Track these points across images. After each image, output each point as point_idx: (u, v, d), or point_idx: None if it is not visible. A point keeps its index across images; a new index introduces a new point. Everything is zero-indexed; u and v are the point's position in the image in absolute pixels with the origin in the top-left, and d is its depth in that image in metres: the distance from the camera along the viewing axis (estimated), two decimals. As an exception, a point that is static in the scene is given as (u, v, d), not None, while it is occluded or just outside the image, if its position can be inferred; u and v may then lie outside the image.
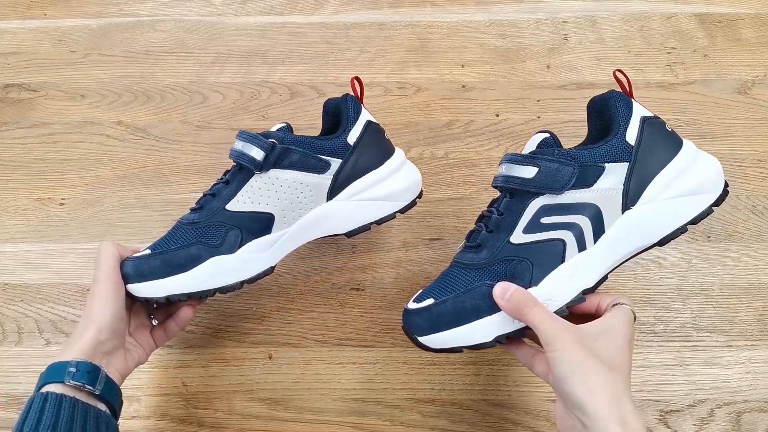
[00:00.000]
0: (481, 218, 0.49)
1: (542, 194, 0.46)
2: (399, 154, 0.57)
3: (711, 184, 0.48)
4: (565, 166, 0.45)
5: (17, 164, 0.69)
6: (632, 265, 0.61)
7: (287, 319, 0.60)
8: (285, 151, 0.51)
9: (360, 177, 0.54)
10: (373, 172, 0.54)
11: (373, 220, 0.55)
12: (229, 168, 0.53)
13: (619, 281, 0.61)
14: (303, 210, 0.53)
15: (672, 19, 0.78)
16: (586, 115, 0.52)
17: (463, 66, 0.75)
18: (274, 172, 0.51)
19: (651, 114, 0.49)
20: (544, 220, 0.46)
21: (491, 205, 0.49)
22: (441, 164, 0.68)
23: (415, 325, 0.46)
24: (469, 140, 0.70)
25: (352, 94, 0.56)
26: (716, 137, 0.69)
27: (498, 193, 0.50)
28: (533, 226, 0.46)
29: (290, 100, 0.73)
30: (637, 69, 0.74)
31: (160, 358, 0.58)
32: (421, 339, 0.46)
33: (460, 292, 0.45)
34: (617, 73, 0.50)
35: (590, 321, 0.44)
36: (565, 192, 0.45)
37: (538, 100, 0.72)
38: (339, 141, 0.53)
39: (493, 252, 0.46)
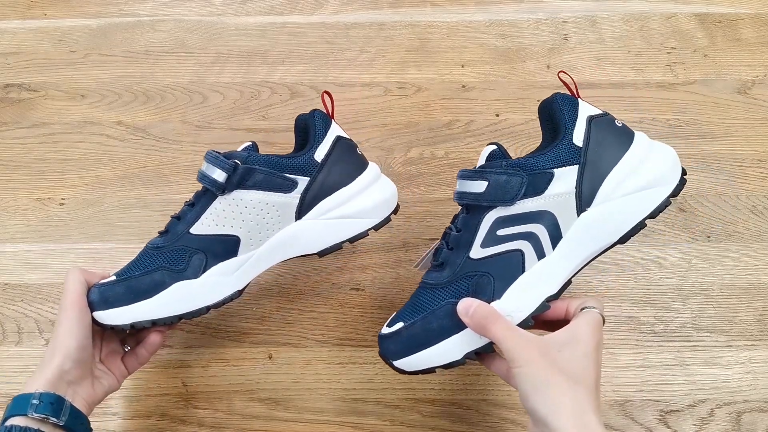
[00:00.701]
0: (443, 236, 0.49)
1: (495, 207, 0.46)
2: (372, 168, 0.55)
3: (667, 175, 0.47)
4: (512, 176, 0.45)
5: (17, 164, 0.69)
6: (632, 265, 0.61)
7: (287, 319, 0.60)
8: (248, 171, 0.49)
9: (329, 195, 0.52)
10: (343, 189, 0.52)
11: (345, 239, 0.53)
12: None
13: (620, 281, 0.61)
14: (270, 231, 0.51)
15: (672, 19, 0.78)
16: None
17: (463, 66, 0.75)
18: (237, 194, 0.50)
19: (599, 111, 0.48)
20: (500, 232, 0.46)
21: (452, 222, 0.49)
22: (441, 164, 0.68)
23: (388, 351, 0.47)
24: (469, 140, 0.70)
25: (321, 109, 0.54)
26: (716, 137, 0.69)
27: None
28: (490, 240, 0.46)
29: (290, 100, 0.73)
30: (637, 69, 0.74)
31: (160, 358, 0.58)
32: (396, 363, 0.46)
33: (427, 313, 0.46)
34: (561, 74, 0.50)
35: (560, 327, 0.43)
36: (517, 202, 0.45)
37: (538, 100, 0.71)
38: (305, 158, 0.51)
39: (455, 269, 0.46)
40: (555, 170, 0.46)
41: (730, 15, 0.78)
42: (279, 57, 0.76)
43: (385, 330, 0.48)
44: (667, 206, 0.47)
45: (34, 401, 0.42)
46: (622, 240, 0.47)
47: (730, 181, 0.66)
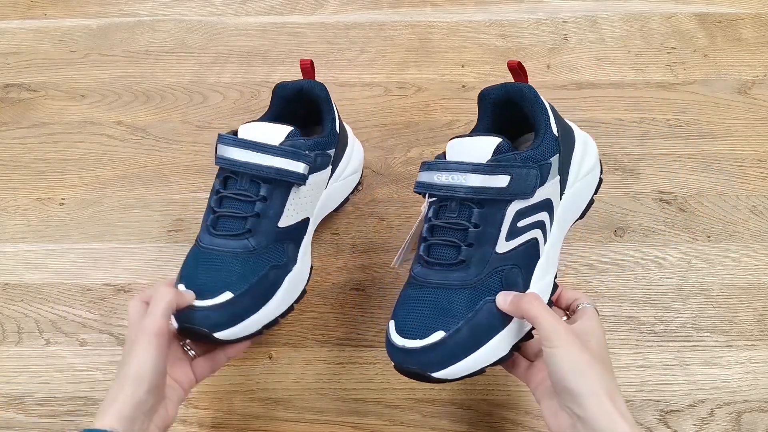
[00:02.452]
0: (443, 231, 0.46)
1: (514, 200, 0.45)
2: (348, 126, 0.62)
3: (596, 157, 0.54)
4: (530, 169, 0.45)
5: (17, 164, 0.69)
6: (632, 265, 0.61)
7: (287, 319, 0.59)
8: (316, 158, 0.52)
9: (341, 158, 0.58)
10: (347, 150, 0.59)
11: (350, 192, 0.62)
12: (230, 175, 0.50)
13: (620, 281, 0.61)
14: (318, 201, 0.55)
15: (672, 19, 0.78)
16: (480, 105, 0.51)
17: (463, 66, 0.75)
18: (309, 179, 0.52)
19: (546, 101, 0.50)
20: (520, 223, 0.46)
21: (442, 217, 0.46)
22: (441, 164, 0.68)
23: (427, 364, 0.43)
24: (469, 140, 0.70)
25: (308, 78, 0.57)
26: (716, 137, 0.69)
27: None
28: (513, 232, 0.46)
29: (290, 100, 0.73)
30: (637, 69, 0.74)
31: (160, 358, 0.58)
32: (437, 375, 0.43)
33: (470, 316, 0.44)
34: (515, 63, 0.49)
35: (555, 310, 0.46)
36: (535, 193, 0.46)
37: (538, 100, 0.72)
38: (333, 133, 0.55)
39: (483, 266, 0.45)
40: (551, 159, 0.47)
41: (730, 15, 0.78)
42: (279, 57, 0.76)
43: (414, 343, 0.44)
44: (601, 183, 0.54)
45: None
46: (583, 215, 0.53)
47: (730, 181, 0.66)
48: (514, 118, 0.50)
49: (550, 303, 0.47)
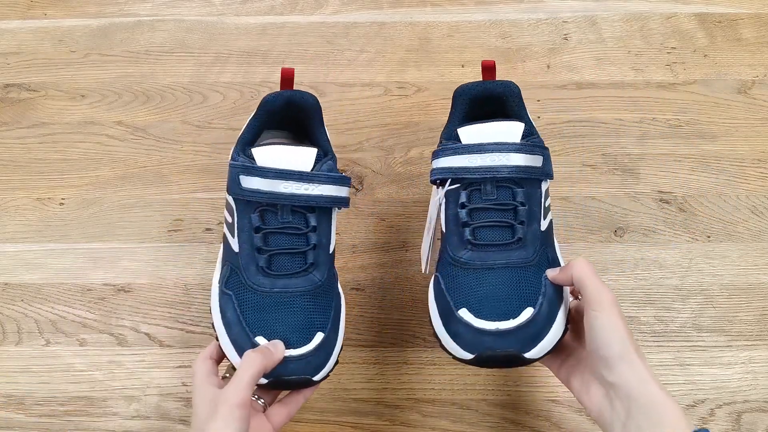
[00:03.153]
0: (491, 214, 0.46)
1: (544, 179, 0.48)
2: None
3: None
4: (548, 152, 0.48)
5: (17, 164, 0.69)
6: (632, 265, 0.61)
7: (287, 319, 0.60)
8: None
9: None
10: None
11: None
12: (267, 208, 0.46)
13: (620, 281, 0.61)
14: None
15: (672, 19, 0.78)
16: (455, 99, 0.52)
17: (463, 66, 0.75)
18: None
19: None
20: (547, 203, 0.48)
21: (481, 200, 0.46)
22: (441, 164, 0.68)
23: (523, 343, 0.42)
24: (469, 140, 0.70)
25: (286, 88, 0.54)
26: (716, 137, 0.69)
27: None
28: (546, 212, 0.48)
29: (290, 100, 0.73)
30: (637, 69, 0.74)
31: (159, 358, 0.58)
32: (529, 355, 0.42)
33: (544, 291, 0.44)
34: (491, 63, 0.52)
35: None
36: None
37: (538, 100, 0.72)
38: (329, 144, 0.53)
39: (535, 244, 0.46)
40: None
41: (730, 15, 0.78)
42: (279, 57, 0.76)
43: (510, 323, 0.42)
44: None
45: None
46: None
47: (730, 181, 0.66)
48: (487, 114, 0.51)
49: None
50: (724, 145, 0.68)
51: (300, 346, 0.44)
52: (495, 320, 0.43)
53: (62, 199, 0.67)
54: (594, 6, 0.79)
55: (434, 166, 0.48)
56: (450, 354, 0.45)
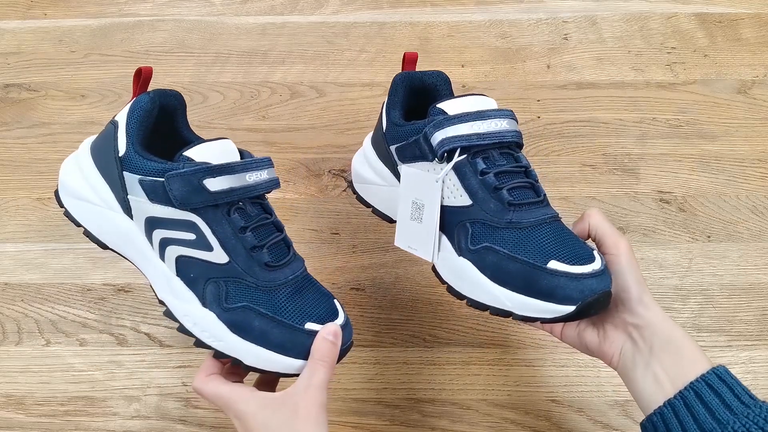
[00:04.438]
0: (511, 177, 0.45)
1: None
2: None
3: None
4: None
5: (17, 164, 0.69)
6: (632, 265, 0.62)
7: (287, 319, 0.60)
8: None
9: None
10: None
11: None
12: (239, 206, 0.44)
13: (619, 281, 0.61)
14: None
15: (672, 19, 0.78)
16: (394, 89, 0.53)
17: (463, 66, 0.75)
18: None
19: None
20: None
21: (496, 165, 0.45)
22: (441, 164, 0.68)
23: (610, 281, 0.42)
24: (469, 140, 0.70)
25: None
26: (716, 137, 0.69)
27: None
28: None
29: (290, 100, 0.73)
30: (637, 69, 0.74)
31: (159, 358, 0.58)
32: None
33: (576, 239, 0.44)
34: (410, 53, 0.54)
35: None
36: None
37: (538, 100, 0.72)
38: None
39: (549, 202, 0.47)
40: None
41: (730, 15, 0.78)
42: (279, 57, 0.76)
43: (597, 265, 0.42)
44: None
45: None
46: None
47: (730, 181, 0.66)
48: (415, 101, 0.52)
49: None
50: (724, 145, 0.68)
51: (337, 317, 0.43)
52: (586, 264, 0.41)
53: (62, 199, 0.67)
54: (594, 6, 0.79)
55: (441, 137, 0.45)
56: (534, 319, 0.42)
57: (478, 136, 0.44)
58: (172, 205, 0.42)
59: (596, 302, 0.41)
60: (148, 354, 0.58)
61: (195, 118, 0.72)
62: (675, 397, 0.39)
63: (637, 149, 0.68)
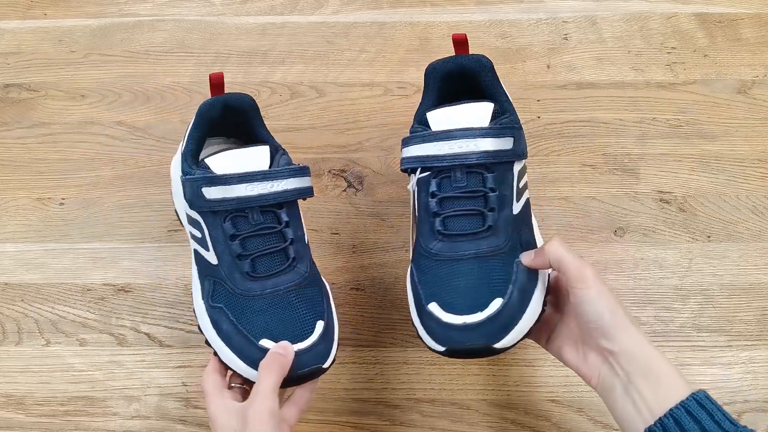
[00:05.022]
0: (461, 203, 0.45)
1: (515, 161, 0.46)
2: None
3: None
4: (521, 130, 0.47)
5: (17, 164, 0.69)
6: (632, 265, 0.61)
7: (287, 319, 0.60)
8: None
9: None
10: None
11: None
12: (238, 214, 0.46)
13: (620, 281, 0.61)
14: None
15: (672, 19, 0.78)
16: (429, 78, 0.52)
17: (463, 66, 0.75)
18: None
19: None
20: (521, 184, 0.47)
21: (451, 188, 0.45)
22: (441, 164, 0.68)
23: (490, 334, 0.42)
24: (469, 140, 0.70)
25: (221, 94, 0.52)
26: (716, 137, 0.69)
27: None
28: (519, 193, 0.47)
29: (290, 100, 0.73)
30: (637, 69, 0.74)
31: (160, 358, 0.58)
32: (499, 345, 0.42)
33: (515, 279, 0.43)
34: (462, 36, 0.50)
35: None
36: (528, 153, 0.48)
37: (538, 100, 0.72)
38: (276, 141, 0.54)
39: (508, 230, 0.45)
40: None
41: (730, 15, 0.78)
42: (279, 57, 0.76)
43: (475, 317, 0.42)
44: None
45: None
46: None
47: (730, 181, 0.66)
48: (461, 89, 0.50)
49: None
50: (724, 145, 0.68)
51: (305, 339, 0.44)
52: (463, 314, 0.42)
53: (62, 199, 0.67)
54: (594, 6, 0.79)
55: (403, 155, 0.47)
56: (425, 344, 0.45)
57: (436, 158, 0.45)
58: (189, 205, 0.47)
59: (463, 352, 0.43)
60: (148, 354, 0.58)
61: (195, 118, 0.72)
62: (655, 424, 0.38)
63: (637, 149, 0.68)
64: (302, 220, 0.49)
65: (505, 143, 0.45)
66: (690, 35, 0.76)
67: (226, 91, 0.51)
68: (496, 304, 0.42)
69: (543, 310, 0.45)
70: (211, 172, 0.45)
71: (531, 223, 0.49)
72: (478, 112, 0.45)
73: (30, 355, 0.59)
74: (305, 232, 0.49)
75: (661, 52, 0.75)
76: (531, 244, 0.47)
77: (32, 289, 0.62)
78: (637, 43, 0.76)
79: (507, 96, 0.49)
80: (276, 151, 0.48)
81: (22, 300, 0.61)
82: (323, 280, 0.50)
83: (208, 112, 0.50)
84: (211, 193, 0.45)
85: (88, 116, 0.73)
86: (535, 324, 0.44)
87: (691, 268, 0.61)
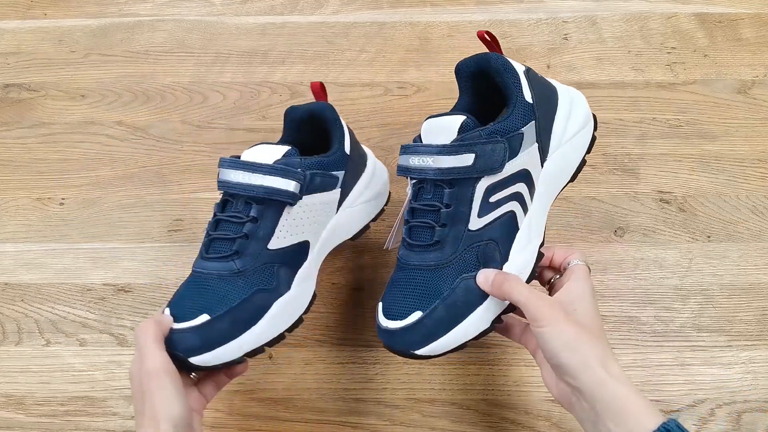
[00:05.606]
0: (419, 214, 0.47)
1: (483, 176, 0.46)
2: (370, 151, 0.59)
3: (588, 114, 0.52)
4: (496, 144, 0.45)
5: (17, 164, 0.69)
6: (632, 265, 0.61)
7: (287, 319, 0.60)
8: (312, 177, 0.49)
9: (356, 183, 0.55)
10: (363, 175, 0.56)
11: (370, 220, 0.57)
12: (228, 198, 0.48)
13: (620, 281, 0.61)
14: (322, 227, 0.52)
15: (672, 19, 0.78)
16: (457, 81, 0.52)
17: (463, 66, 0.75)
18: (304, 200, 0.49)
19: (523, 66, 0.49)
20: (492, 198, 0.46)
21: (420, 199, 0.47)
22: (441, 164, 0.68)
23: (410, 342, 0.44)
24: (469, 140, 0.70)
25: (322, 100, 0.55)
26: (716, 137, 0.69)
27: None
28: (485, 208, 0.46)
29: (290, 100, 0.73)
30: (637, 69, 0.74)
31: (160, 358, 0.58)
32: (420, 352, 0.44)
33: (446, 295, 0.45)
34: (483, 33, 0.50)
35: (545, 276, 0.47)
36: (504, 167, 0.46)
37: (538, 100, 0.72)
38: (340, 154, 0.52)
39: (457, 245, 0.46)
40: (522, 129, 0.47)
41: (730, 15, 0.78)
42: (279, 57, 0.76)
43: (394, 324, 0.45)
44: (594, 141, 0.52)
45: None
46: (573, 178, 0.52)
47: (730, 181, 0.66)
48: (491, 89, 0.50)
49: (534, 273, 0.47)
50: (724, 145, 0.68)
51: (183, 322, 0.45)
52: (388, 319, 0.45)
53: (62, 199, 0.67)
54: (594, 6, 0.79)
55: (397, 163, 0.49)
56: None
57: (408, 170, 0.47)
58: None
59: (391, 351, 0.46)
60: (148, 354, 0.58)
61: (195, 118, 0.72)
62: None
63: (637, 149, 0.68)
64: (281, 227, 0.48)
65: (462, 160, 0.45)
66: (690, 35, 0.77)
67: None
68: (415, 316, 0.44)
69: (492, 328, 0.46)
70: (237, 158, 0.49)
71: (511, 237, 0.47)
72: (449, 126, 0.46)
73: (30, 355, 0.59)
74: (278, 240, 0.48)
75: (661, 52, 0.75)
76: (493, 260, 0.46)
77: (32, 289, 0.62)
78: (637, 43, 0.76)
79: (522, 97, 0.47)
80: (293, 152, 0.49)
81: (22, 300, 0.61)
82: (278, 297, 0.48)
83: (291, 114, 0.54)
84: (219, 174, 0.48)
85: (88, 116, 0.73)
86: (477, 337, 0.45)
87: (691, 268, 0.61)
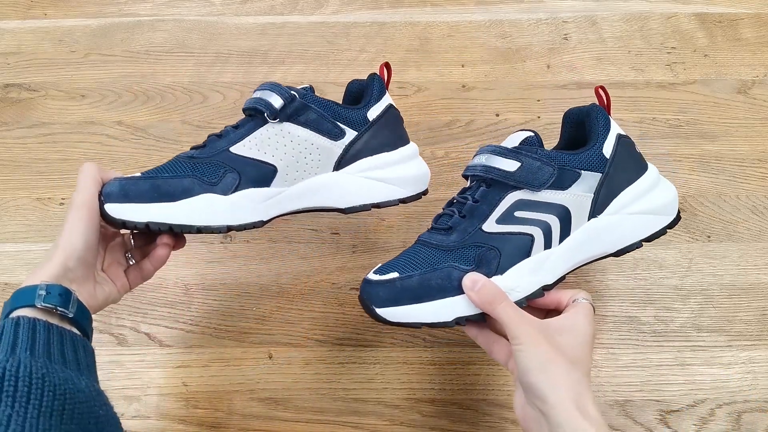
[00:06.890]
0: (451, 204, 0.50)
1: (520, 189, 0.47)
2: (413, 146, 0.57)
3: (668, 208, 0.51)
4: (546, 165, 0.47)
5: (17, 164, 0.69)
6: (632, 265, 0.61)
7: (287, 319, 0.60)
8: (303, 106, 0.50)
9: (372, 155, 0.53)
10: (386, 153, 0.54)
11: (374, 202, 0.53)
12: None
13: (620, 281, 0.61)
14: (307, 173, 0.51)
15: (672, 19, 0.78)
16: (561, 122, 0.53)
17: (463, 66, 0.75)
18: (287, 126, 0.50)
19: (624, 133, 0.51)
20: (518, 213, 0.47)
21: (463, 192, 0.50)
22: (441, 164, 0.68)
23: (375, 296, 0.46)
24: (469, 140, 0.70)
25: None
26: (716, 137, 0.69)
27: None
28: (506, 218, 0.47)
29: (290, 100, 0.73)
30: (637, 69, 0.74)
31: (160, 358, 0.58)
32: (379, 311, 0.46)
33: (427, 270, 0.46)
34: (599, 89, 0.51)
35: (550, 316, 0.46)
36: (542, 190, 0.47)
37: (538, 100, 0.72)
38: (359, 114, 0.52)
39: (464, 237, 0.47)
40: (582, 172, 0.48)
41: (730, 15, 0.78)
42: (279, 57, 0.76)
43: (374, 276, 0.47)
44: (662, 235, 0.50)
45: (41, 291, 0.39)
46: (618, 253, 0.50)
47: (730, 181, 0.66)
48: (580, 136, 0.52)
49: (523, 302, 0.46)
50: (724, 145, 0.68)
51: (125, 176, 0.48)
52: (375, 273, 0.47)
53: (62, 199, 0.67)
54: (594, 6, 0.79)
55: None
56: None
57: (470, 167, 0.50)
58: None
59: (359, 301, 0.48)
60: (148, 354, 0.58)
61: (195, 118, 0.72)
62: None
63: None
64: (253, 139, 0.50)
65: (506, 164, 0.47)
66: (690, 35, 0.77)
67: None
68: (391, 275, 0.46)
69: (453, 325, 0.46)
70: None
71: (517, 258, 0.47)
72: (517, 137, 0.49)
73: (30, 355, 0.59)
74: (246, 152, 0.50)
75: (661, 52, 0.75)
76: (487, 267, 0.46)
77: (32, 289, 0.62)
78: (637, 43, 0.76)
79: (601, 147, 0.49)
80: (309, 89, 0.52)
81: (22, 300, 0.61)
82: (208, 191, 0.49)
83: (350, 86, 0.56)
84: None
85: (88, 116, 0.73)
86: (436, 327, 0.46)
87: (691, 268, 0.61)
